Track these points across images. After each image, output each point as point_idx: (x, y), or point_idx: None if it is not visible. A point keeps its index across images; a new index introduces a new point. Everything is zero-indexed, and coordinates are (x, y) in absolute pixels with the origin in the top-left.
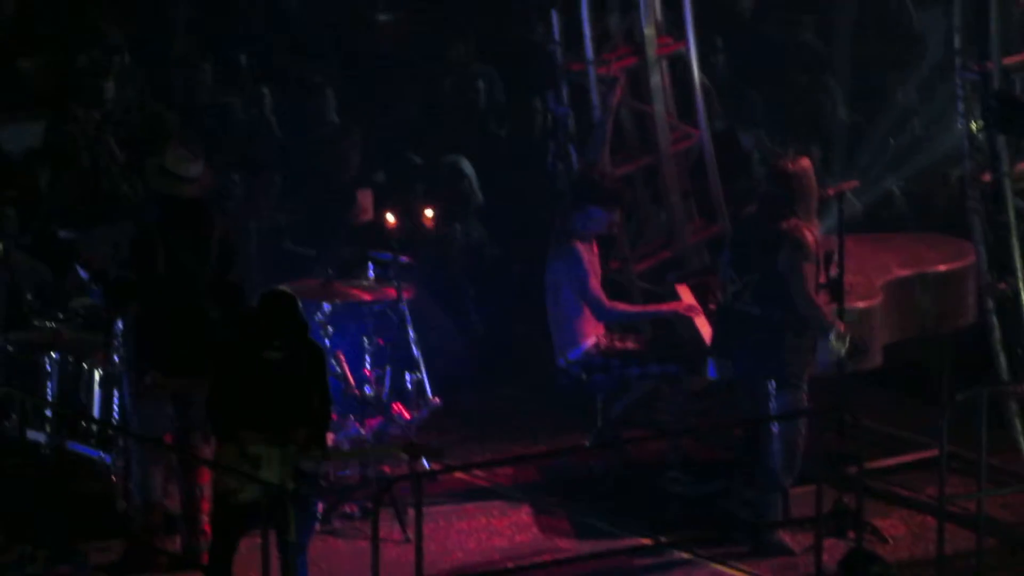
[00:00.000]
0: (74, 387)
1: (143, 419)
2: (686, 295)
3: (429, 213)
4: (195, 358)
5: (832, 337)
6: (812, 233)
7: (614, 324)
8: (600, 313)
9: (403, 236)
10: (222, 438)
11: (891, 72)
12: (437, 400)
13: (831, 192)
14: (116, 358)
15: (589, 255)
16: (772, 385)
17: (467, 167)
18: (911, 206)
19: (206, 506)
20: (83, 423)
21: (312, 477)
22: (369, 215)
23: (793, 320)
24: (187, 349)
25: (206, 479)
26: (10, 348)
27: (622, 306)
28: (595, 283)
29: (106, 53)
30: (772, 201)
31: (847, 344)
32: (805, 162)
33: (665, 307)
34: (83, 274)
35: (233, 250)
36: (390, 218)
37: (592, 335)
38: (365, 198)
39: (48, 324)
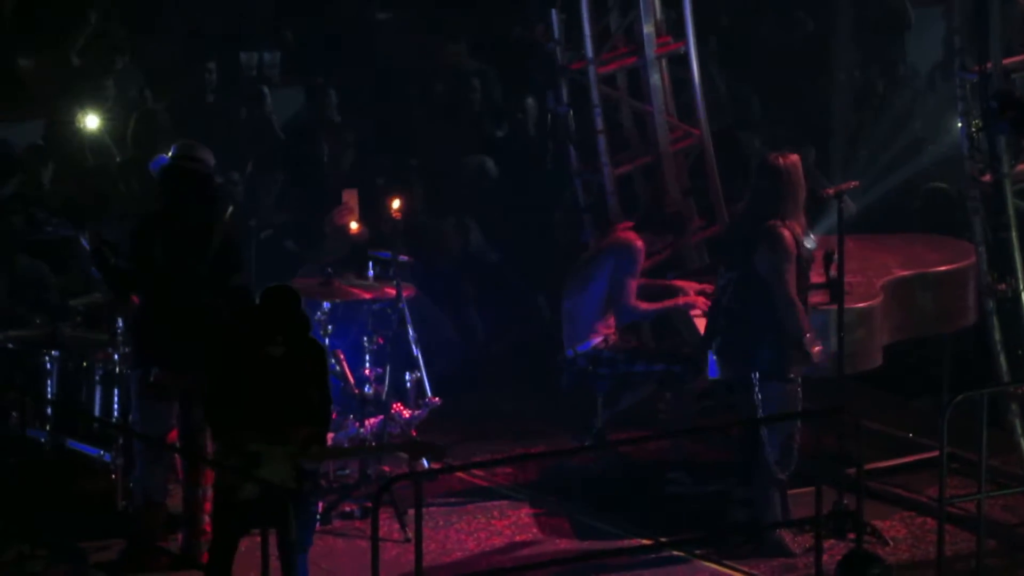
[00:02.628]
0: (74, 385)
1: (147, 418)
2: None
3: (396, 204)
4: (199, 355)
5: (807, 344)
6: (793, 231)
7: (626, 320)
8: (624, 309)
9: (367, 240)
10: (221, 435)
11: (890, 72)
12: (436, 399)
13: (830, 192)
14: (116, 356)
15: (642, 257)
16: (755, 377)
17: (491, 166)
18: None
19: (208, 506)
20: (83, 421)
21: (313, 475)
22: (354, 215)
23: (772, 317)
24: (190, 345)
25: (210, 480)
26: (10, 346)
27: (644, 305)
28: (634, 283)
29: (108, 53)
30: (758, 197)
31: (815, 353)
32: (793, 158)
33: (673, 302)
34: (85, 243)
35: (235, 251)
36: (353, 225)
37: (603, 332)
38: (351, 198)
39: (48, 322)
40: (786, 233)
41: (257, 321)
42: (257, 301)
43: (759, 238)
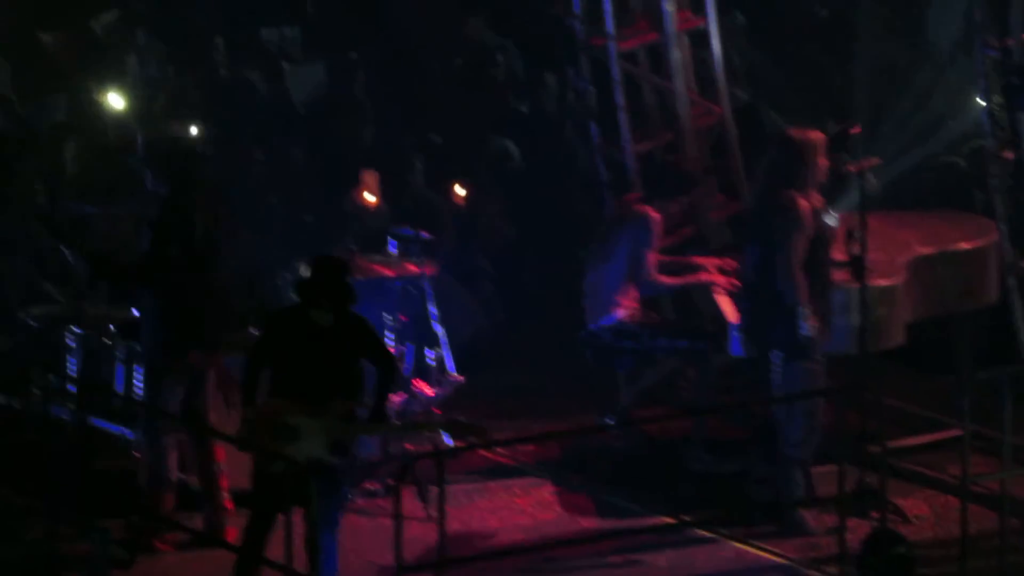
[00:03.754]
0: (97, 363)
1: (166, 398)
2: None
3: (460, 191)
4: (220, 331)
5: (800, 315)
6: (808, 203)
7: (647, 293)
8: (645, 282)
9: (382, 216)
10: (260, 405)
11: (911, 49)
12: (459, 377)
13: (852, 169)
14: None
15: (658, 228)
16: (778, 356)
17: (514, 149)
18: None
19: (225, 482)
20: (106, 399)
21: (347, 452)
22: (374, 194)
23: None
24: (222, 323)
25: (221, 456)
26: (33, 323)
27: (665, 278)
28: (653, 255)
29: (127, 23)
30: (773, 170)
31: (811, 326)
32: (813, 134)
33: (695, 277)
34: (70, 257)
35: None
36: (370, 197)
37: (627, 307)
38: (371, 178)
39: (72, 299)
40: (803, 203)
41: (304, 289)
42: (307, 269)
43: (776, 209)
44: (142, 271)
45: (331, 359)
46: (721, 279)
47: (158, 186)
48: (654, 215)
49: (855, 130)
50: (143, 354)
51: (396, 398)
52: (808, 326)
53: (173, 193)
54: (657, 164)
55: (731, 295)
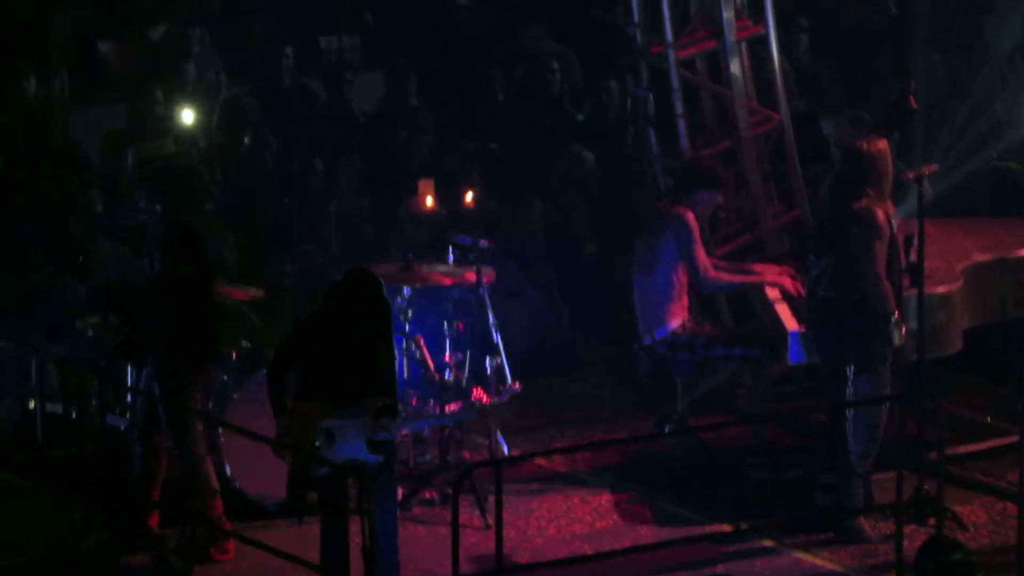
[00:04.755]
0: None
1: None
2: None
3: (468, 196)
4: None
5: (892, 324)
6: (885, 212)
7: (710, 290)
8: (703, 279)
9: (446, 222)
10: (293, 411)
11: (971, 54)
12: (517, 385)
13: (911, 176)
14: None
15: (696, 225)
16: (851, 370)
17: (587, 155)
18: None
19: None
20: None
21: (388, 446)
22: (428, 203)
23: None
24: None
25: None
26: (90, 333)
27: (724, 275)
28: (701, 250)
29: (182, 26)
30: (845, 181)
31: (901, 334)
32: (881, 143)
33: (757, 277)
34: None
35: None
36: (428, 202)
37: (679, 316)
38: (427, 186)
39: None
40: (880, 212)
41: (339, 303)
42: (340, 282)
43: (853, 219)
44: (158, 292)
45: (356, 358)
46: (786, 281)
47: (152, 206)
48: (688, 214)
49: (913, 102)
50: (157, 371)
51: (453, 406)
52: (898, 334)
53: (177, 212)
54: (683, 164)
55: (790, 302)
